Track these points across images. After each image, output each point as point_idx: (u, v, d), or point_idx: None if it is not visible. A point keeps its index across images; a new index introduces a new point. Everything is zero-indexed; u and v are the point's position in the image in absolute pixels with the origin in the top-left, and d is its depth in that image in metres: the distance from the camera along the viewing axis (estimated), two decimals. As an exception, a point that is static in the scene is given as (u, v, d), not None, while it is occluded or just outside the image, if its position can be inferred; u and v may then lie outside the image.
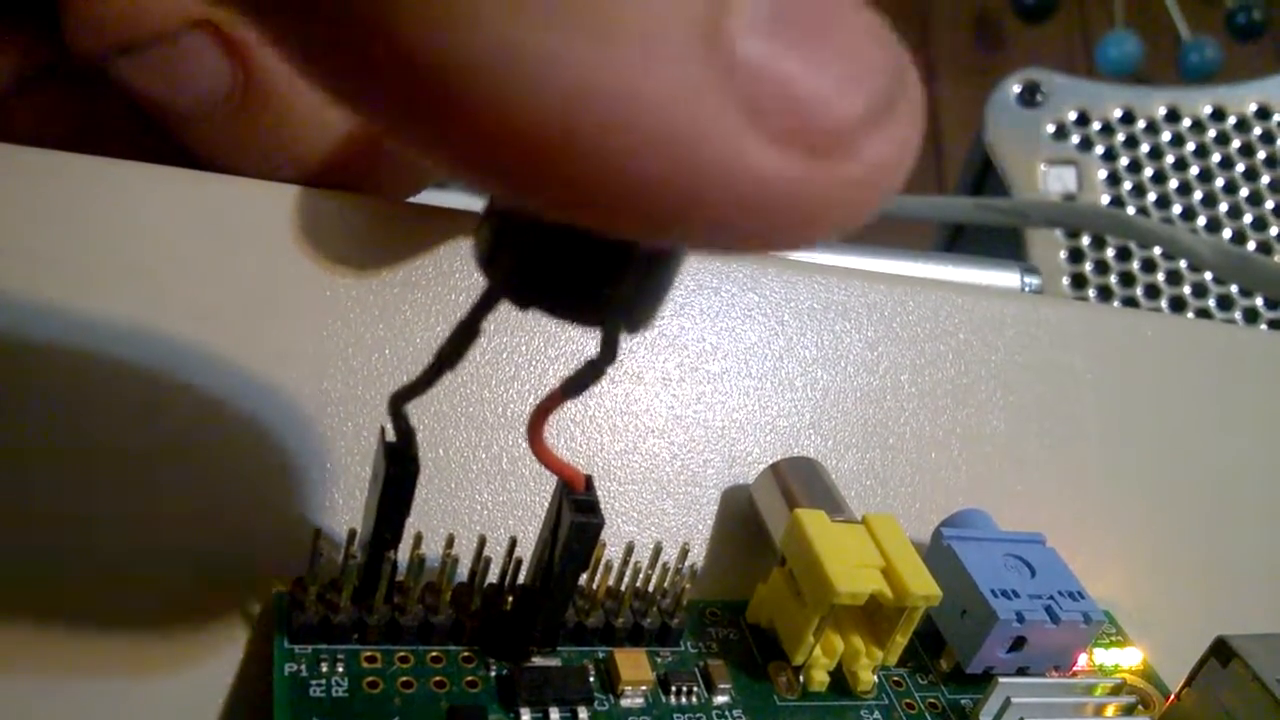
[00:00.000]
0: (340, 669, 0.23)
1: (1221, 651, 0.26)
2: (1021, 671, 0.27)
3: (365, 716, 0.22)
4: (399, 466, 0.21)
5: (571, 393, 0.18)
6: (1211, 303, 0.57)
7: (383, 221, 0.27)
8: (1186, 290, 0.57)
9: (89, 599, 0.23)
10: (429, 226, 0.27)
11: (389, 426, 0.21)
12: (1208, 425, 0.35)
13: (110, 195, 0.25)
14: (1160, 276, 0.57)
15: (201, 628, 0.23)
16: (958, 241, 0.62)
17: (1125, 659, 0.30)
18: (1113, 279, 0.56)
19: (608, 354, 0.17)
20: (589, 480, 0.22)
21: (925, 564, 0.26)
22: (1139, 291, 0.56)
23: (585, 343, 0.28)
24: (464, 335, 0.18)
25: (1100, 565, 0.31)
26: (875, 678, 0.26)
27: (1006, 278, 0.41)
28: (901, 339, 0.32)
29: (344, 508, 0.25)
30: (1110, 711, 0.27)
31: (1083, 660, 0.29)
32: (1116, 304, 0.55)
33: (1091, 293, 0.56)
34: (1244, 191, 0.59)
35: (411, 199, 0.29)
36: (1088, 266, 0.56)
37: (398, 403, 0.20)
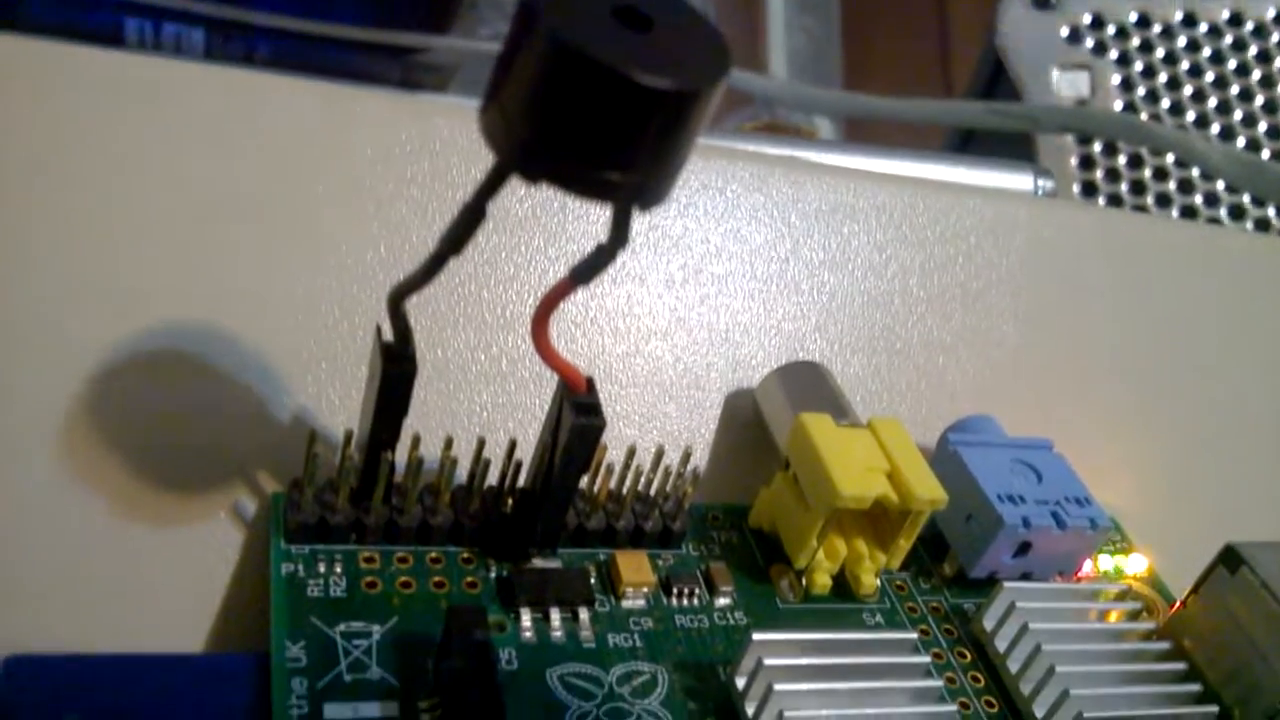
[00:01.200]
0: (338, 569, 0.22)
1: (1230, 559, 0.25)
2: (1025, 577, 0.27)
3: (364, 616, 0.22)
4: (396, 366, 0.21)
5: (581, 280, 0.18)
6: (1223, 212, 0.56)
7: (375, 115, 0.26)
8: (1198, 199, 0.56)
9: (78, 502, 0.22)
10: (424, 122, 0.26)
11: (386, 325, 0.21)
12: (1220, 333, 0.34)
13: (106, 87, 0.24)
14: (1172, 185, 0.55)
15: (195, 530, 0.23)
16: (968, 146, 0.61)
17: (1130, 566, 0.30)
18: (1123, 187, 0.55)
19: (619, 235, 0.17)
20: (590, 382, 0.22)
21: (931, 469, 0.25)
22: (1150, 200, 0.55)
23: (585, 242, 0.27)
24: (469, 218, 0.17)
25: (1107, 472, 0.30)
26: (878, 582, 0.26)
27: (1019, 180, 0.41)
28: (910, 242, 0.31)
29: (340, 408, 0.25)
30: (1115, 617, 0.26)
31: (1087, 567, 0.28)
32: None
33: (1101, 200, 0.55)
34: (1259, 99, 0.58)
35: (406, 94, 0.28)
36: (1098, 174, 0.55)
37: (396, 299, 0.20)
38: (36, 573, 0.21)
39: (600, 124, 0.16)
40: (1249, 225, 0.56)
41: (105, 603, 0.22)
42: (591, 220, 0.27)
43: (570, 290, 0.19)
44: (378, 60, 0.60)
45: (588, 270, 0.18)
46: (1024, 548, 0.27)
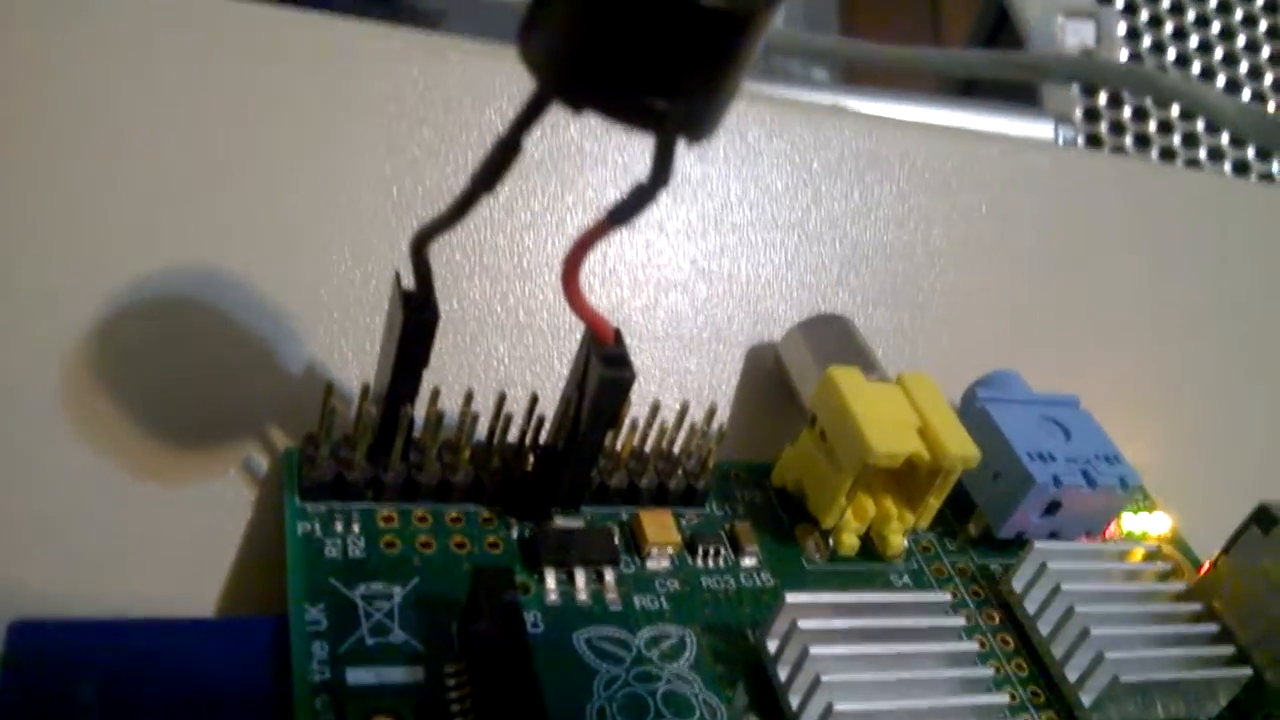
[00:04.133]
0: (356, 529, 0.21)
1: (1263, 518, 0.25)
2: (1053, 536, 0.27)
3: (384, 577, 0.21)
4: (417, 314, 0.20)
5: (620, 220, 0.17)
6: (1227, 167, 0.55)
7: (386, 52, 0.25)
8: (1203, 154, 0.55)
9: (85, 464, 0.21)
10: (437, 59, 0.25)
11: (404, 272, 0.20)
12: (1247, 286, 0.34)
13: (110, 20, 0.23)
14: (1176, 140, 0.55)
15: (205, 487, 0.22)
16: (969, 95, 0.60)
17: (1153, 525, 0.29)
18: (1128, 140, 0.55)
19: (662, 171, 0.16)
20: (618, 333, 0.21)
21: (960, 425, 0.24)
22: (1154, 154, 0.54)
23: (604, 190, 0.26)
24: (503, 152, 0.16)
25: (1128, 428, 0.30)
26: (905, 542, 0.25)
27: (1040, 128, 0.39)
28: (934, 191, 0.30)
29: (354, 361, 0.23)
30: (1146, 578, 0.26)
31: (1111, 527, 0.28)
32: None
33: (1105, 152, 0.54)
34: (1265, 51, 0.57)
35: (418, 31, 0.27)
36: (1103, 127, 0.54)
37: (421, 242, 0.19)
38: (41, 534, 0.20)
39: (650, 45, 0.15)
40: (1253, 179, 0.55)
41: (113, 564, 0.21)
42: (610, 165, 0.26)
43: (607, 232, 0.17)
44: (361, 4, 0.58)
45: (627, 210, 0.17)
46: (1053, 507, 0.26)
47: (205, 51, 0.24)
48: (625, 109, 0.15)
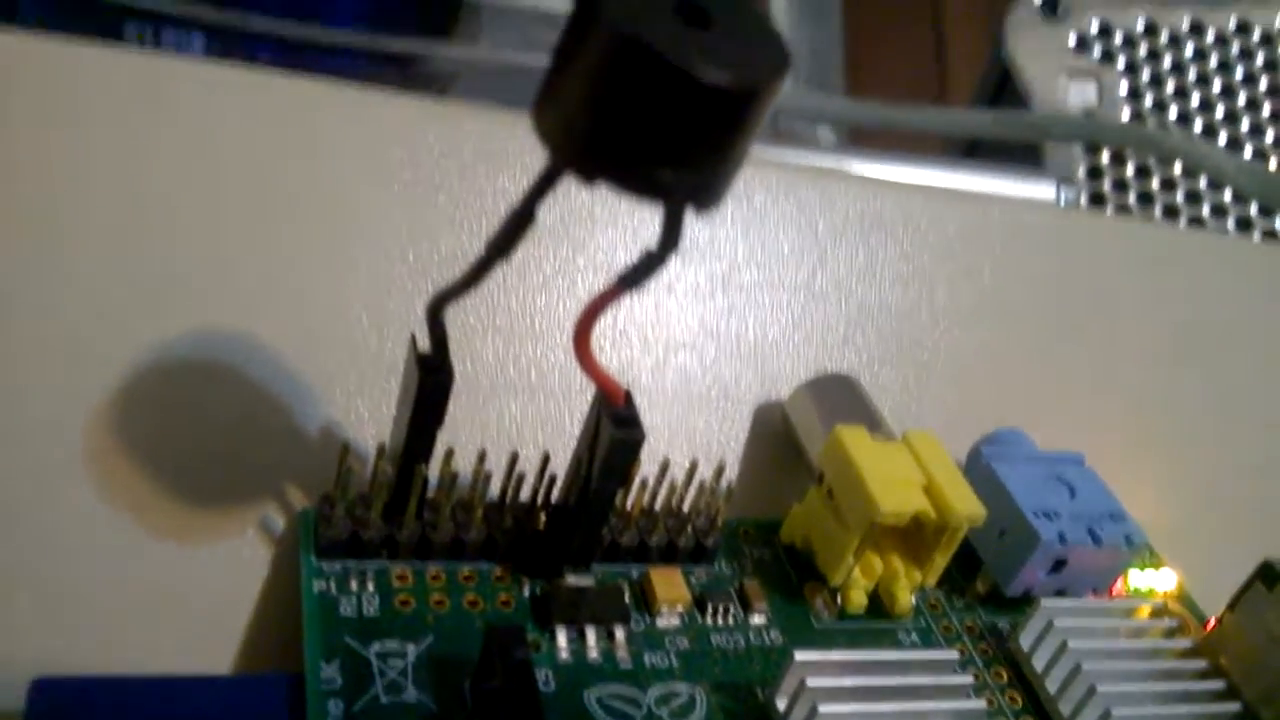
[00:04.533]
0: (370, 587, 0.22)
1: (1268, 575, 0.25)
2: (1059, 594, 0.27)
3: (398, 635, 0.21)
4: (433, 375, 0.20)
5: (630, 285, 0.17)
6: (1230, 224, 0.55)
7: (403, 120, 0.26)
8: (1205, 211, 0.55)
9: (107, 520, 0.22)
10: (453, 127, 0.26)
11: (420, 334, 0.20)
12: (1250, 346, 0.34)
13: (131, 89, 0.23)
14: (1179, 197, 0.55)
15: (225, 544, 0.22)
16: (973, 156, 0.61)
17: (1160, 582, 0.29)
18: (1131, 198, 0.55)
19: (671, 238, 0.16)
20: (628, 394, 0.21)
21: (966, 484, 0.25)
22: (1158, 212, 0.55)
23: (615, 252, 0.27)
24: (518, 221, 0.17)
25: (1133, 486, 0.30)
26: (913, 599, 0.26)
27: (1042, 190, 0.40)
28: (937, 252, 0.31)
29: (370, 421, 0.24)
30: (1151, 635, 0.26)
31: (1118, 584, 0.28)
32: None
33: (1109, 211, 0.55)
34: (1267, 109, 0.58)
35: (434, 99, 0.27)
36: (1106, 185, 0.55)
37: (437, 306, 0.19)
38: (62, 591, 0.21)
39: (658, 120, 0.15)
40: (1256, 236, 0.56)
41: (132, 621, 0.21)
42: (620, 229, 0.27)
43: (618, 297, 0.18)
44: (377, 68, 0.59)
45: (636, 275, 0.18)
46: (1059, 564, 0.26)
47: (225, 120, 0.24)
48: (635, 181, 0.16)
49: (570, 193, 0.26)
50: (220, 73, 0.24)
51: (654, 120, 0.15)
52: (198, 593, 0.22)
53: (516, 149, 0.26)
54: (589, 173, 0.16)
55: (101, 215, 0.23)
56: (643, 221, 0.27)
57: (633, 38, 0.15)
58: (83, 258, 0.23)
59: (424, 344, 0.20)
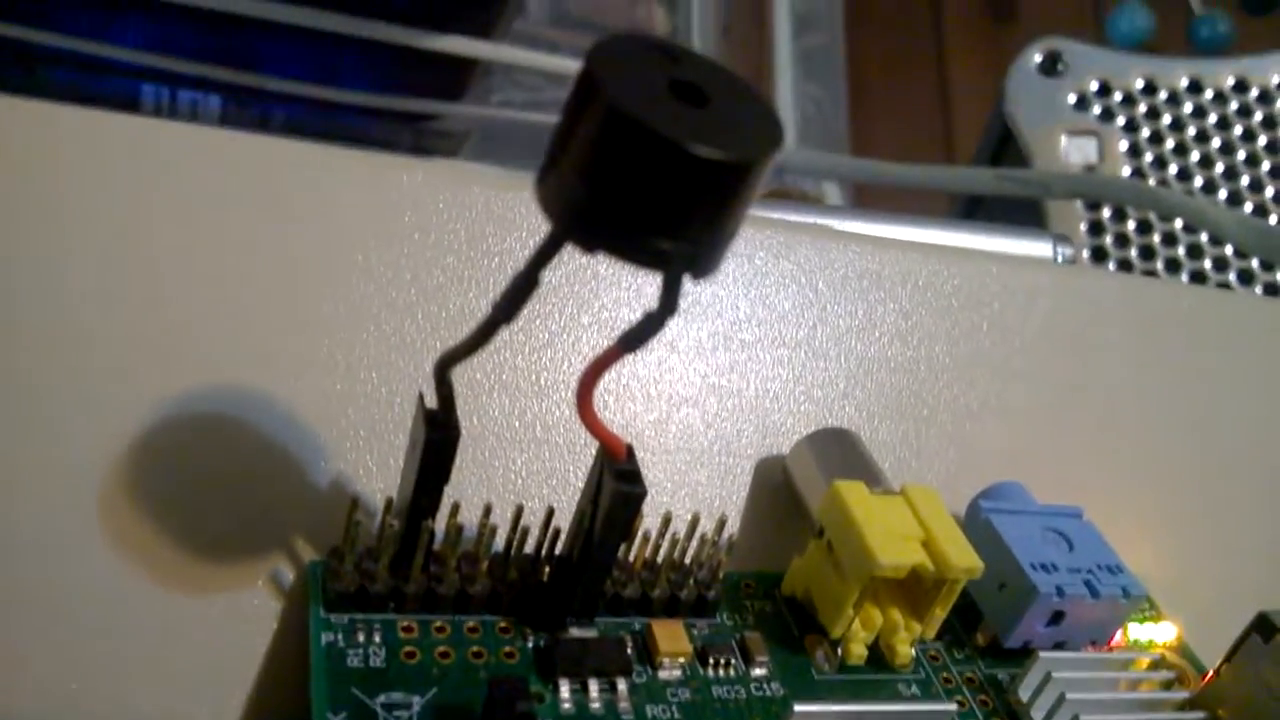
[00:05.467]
0: (377, 639, 0.22)
1: (1264, 627, 0.25)
2: (1059, 646, 0.27)
3: (404, 686, 0.21)
4: (440, 432, 0.21)
5: (630, 347, 0.18)
6: (1232, 277, 0.56)
7: (412, 183, 0.26)
8: (1207, 264, 0.56)
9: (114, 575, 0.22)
10: (461, 189, 0.27)
11: (428, 392, 0.21)
12: (1243, 400, 0.34)
13: (133, 152, 0.24)
14: (1181, 251, 0.56)
15: (235, 597, 0.23)
16: (975, 212, 0.62)
17: (1159, 634, 0.29)
18: (1133, 252, 0.56)
19: (669, 302, 0.17)
20: (630, 449, 0.22)
21: (964, 537, 0.25)
22: (1159, 265, 0.56)
23: (619, 310, 0.28)
24: (522, 286, 0.18)
25: (1132, 539, 0.30)
26: (913, 651, 0.26)
27: (1039, 247, 0.41)
28: (935, 309, 0.31)
29: (378, 475, 0.25)
30: (1149, 687, 0.26)
31: (1117, 636, 0.28)
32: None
33: (1111, 266, 0.55)
34: (1266, 165, 0.59)
35: (441, 161, 0.28)
36: (1108, 240, 0.56)
37: (444, 366, 0.20)
38: (72, 641, 0.21)
39: (656, 193, 0.16)
40: (1258, 290, 0.57)
41: (142, 672, 0.22)
42: (623, 288, 0.28)
43: (619, 358, 0.19)
44: (390, 126, 0.60)
45: (636, 338, 0.18)
46: (1058, 617, 0.27)
47: (237, 185, 0.25)
48: (634, 251, 0.16)
49: (573, 253, 0.26)
50: (229, 140, 0.25)
51: (651, 193, 0.16)
52: (208, 644, 0.22)
53: (522, 213, 0.27)
54: (589, 243, 0.17)
55: (120, 274, 0.24)
56: (645, 281, 0.27)
57: (631, 115, 0.15)
58: (101, 315, 0.23)
59: (431, 401, 0.21)
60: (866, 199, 0.71)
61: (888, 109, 0.95)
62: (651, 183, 0.16)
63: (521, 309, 0.18)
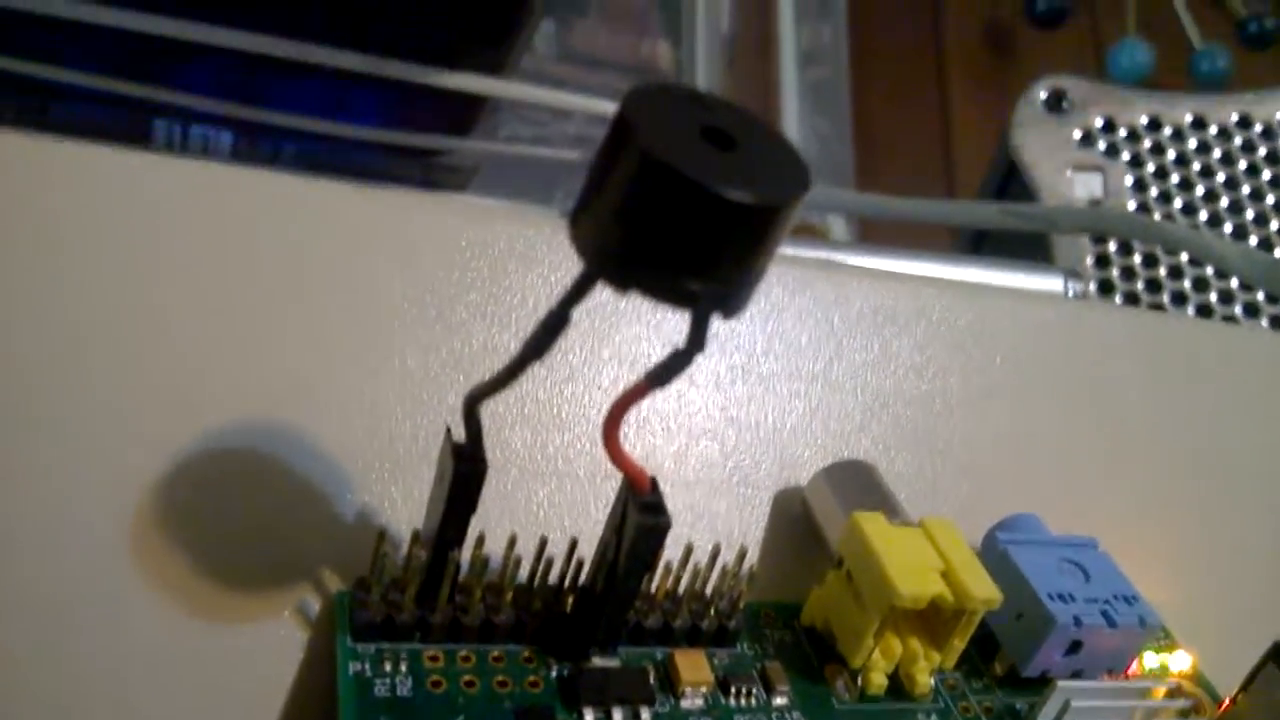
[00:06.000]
0: (404, 668, 0.22)
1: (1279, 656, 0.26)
2: (1076, 675, 0.27)
3: (430, 716, 0.22)
4: (468, 465, 0.21)
5: (657, 383, 0.18)
6: (1238, 310, 0.57)
7: (437, 222, 0.27)
8: (1213, 297, 0.57)
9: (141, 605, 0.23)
10: (484, 227, 0.27)
11: (453, 426, 0.21)
12: (1252, 430, 0.35)
13: (145, 188, 0.25)
14: (1187, 283, 0.57)
15: (262, 627, 0.23)
16: (980, 247, 0.62)
17: (1175, 663, 0.30)
18: (1139, 285, 0.56)
19: (697, 340, 0.17)
20: (654, 482, 0.22)
21: (982, 567, 0.25)
22: (1165, 298, 0.56)
23: (639, 345, 0.28)
24: (553, 324, 0.18)
25: (1146, 569, 0.30)
26: (932, 681, 0.26)
27: (1050, 283, 0.41)
28: (949, 343, 0.32)
29: (404, 507, 0.25)
30: (1167, 715, 0.27)
31: (1133, 665, 0.29)
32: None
33: (1118, 299, 0.56)
34: (1270, 199, 0.59)
35: (463, 198, 0.29)
36: (1114, 272, 0.56)
37: (473, 402, 0.20)
38: (99, 672, 0.22)
39: (687, 235, 0.17)
40: (1264, 322, 0.57)
41: (170, 702, 0.22)
42: (644, 323, 0.28)
43: (646, 393, 0.19)
44: (399, 161, 0.61)
45: (664, 374, 0.19)
46: (1075, 646, 0.27)
47: (264, 223, 0.26)
48: (664, 290, 0.17)
49: (597, 289, 0.27)
50: (251, 178, 0.26)
51: (682, 235, 0.16)
52: (235, 674, 0.23)
53: (544, 249, 0.27)
54: (622, 282, 0.17)
55: (134, 311, 0.24)
56: (664, 316, 0.28)
57: (663, 160, 0.16)
58: (116, 353, 0.24)
59: (459, 435, 0.21)
60: (871, 232, 0.72)
61: (891, 143, 0.95)
62: (683, 225, 0.16)
63: (552, 346, 0.18)
